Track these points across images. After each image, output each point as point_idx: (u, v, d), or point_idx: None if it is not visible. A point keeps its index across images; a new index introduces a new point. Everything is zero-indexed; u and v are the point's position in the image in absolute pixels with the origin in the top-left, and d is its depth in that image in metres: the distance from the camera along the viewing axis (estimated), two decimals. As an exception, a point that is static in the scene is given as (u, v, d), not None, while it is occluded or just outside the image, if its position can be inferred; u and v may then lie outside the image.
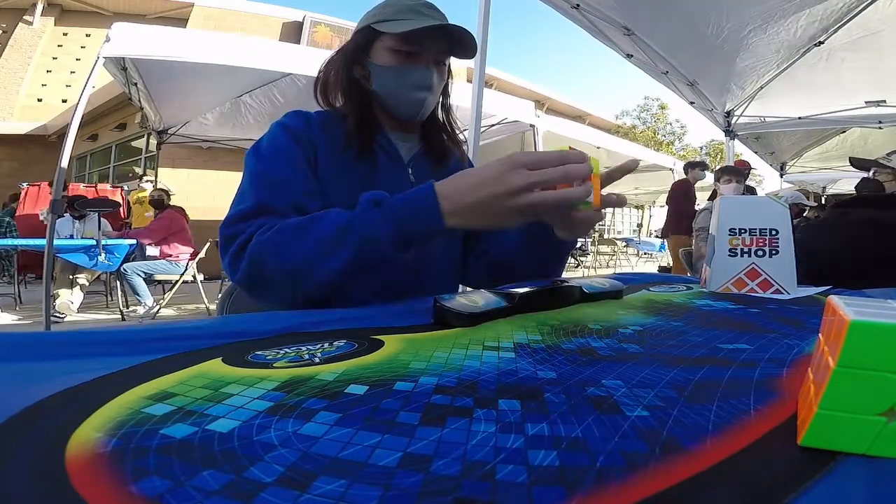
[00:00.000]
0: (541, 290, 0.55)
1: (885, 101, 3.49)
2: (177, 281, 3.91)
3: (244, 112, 4.75)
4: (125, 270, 3.66)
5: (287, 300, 0.61)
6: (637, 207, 16.73)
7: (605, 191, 0.58)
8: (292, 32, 10.14)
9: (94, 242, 3.56)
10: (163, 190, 4.46)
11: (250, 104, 4.60)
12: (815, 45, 2.87)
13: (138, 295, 3.74)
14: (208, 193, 7.50)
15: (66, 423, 0.22)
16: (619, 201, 0.60)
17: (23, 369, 0.29)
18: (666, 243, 4.86)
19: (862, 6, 2.52)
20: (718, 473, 0.19)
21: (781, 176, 6.08)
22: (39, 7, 13.57)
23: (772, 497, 0.17)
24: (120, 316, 3.84)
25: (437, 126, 0.85)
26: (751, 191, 3.78)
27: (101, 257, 3.57)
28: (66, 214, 4.15)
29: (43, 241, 3.11)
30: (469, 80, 2.30)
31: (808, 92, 3.50)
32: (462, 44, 0.74)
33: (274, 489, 0.17)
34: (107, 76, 3.88)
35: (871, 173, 1.94)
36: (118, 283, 3.92)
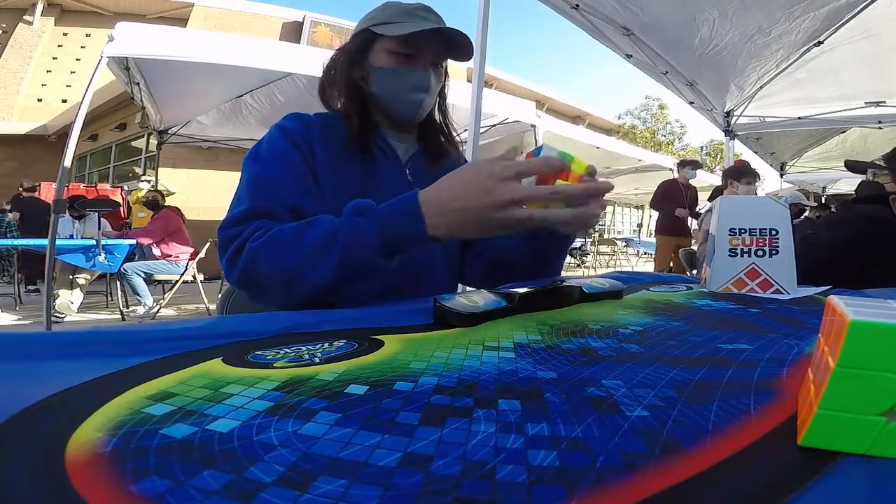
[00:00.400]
0: (541, 290, 0.55)
1: (885, 102, 3.49)
2: (177, 281, 3.91)
3: (245, 112, 4.75)
4: (125, 270, 3.66)
5: (283, 302, 0.62)
6: (637, 207, 16.74)
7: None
8: (292, 32, 10.14)
9: (94, 242, 3.56)
10: (157, 191, 4.45)
11: (251, 104, 4.60)
12: (815, 44, 2.87)
13: (138, 295, 3.74)
14: (208, 193, 7.50)
15: (66, 423, 0.22)
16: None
17: (23, 369, 0.29)
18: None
19: (862, 6, 2.52)
20: (718, 473, 0.19)
21: (781, 176, 6.08)
22: (39, 7, 13.57)
23: (772, 497, 0.17)
24: (120, 316, 3.84)
25: (434, 127, 0.86)
26: None
27: (101, 257, 3.57)
28: (66, 214, 4.16)
29: (43, 241, 3.11)
30: (469, 80, 2.30)
31: (808, 92, 3.50)
32: (459, 46, 0.76)
33: (274, 489, 0.17)
34: (107, 76, 3.88)
35: (870, 176, 1.94)
36: (118, 283, 3.92)
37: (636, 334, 0.42)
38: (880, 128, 3.84)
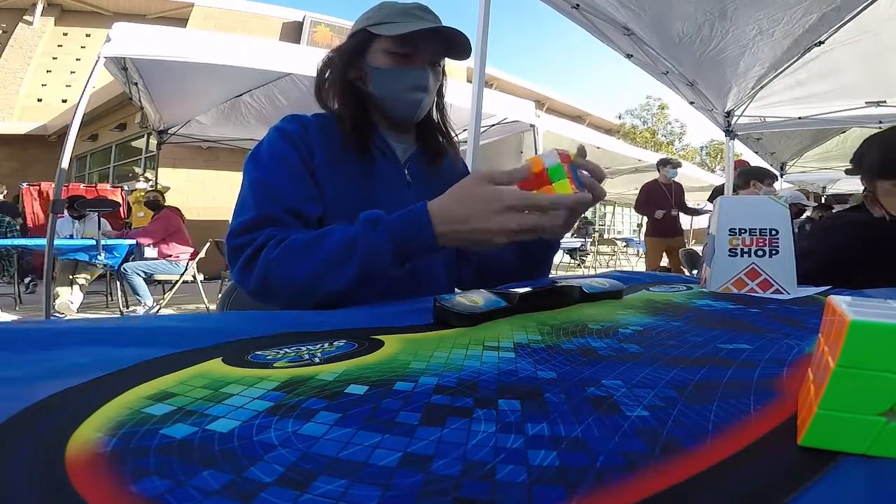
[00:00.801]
0: (541, 290, 0.55)
1: (885, 102, 3.49)
2: (177, 281, 3.91)
3: (244, 112, 4.75)
4: (125, 270, 3.67)
5: (296, 306, 0.63)
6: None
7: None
8: (292, 32, 10.14)
9: (93, 242, 3.56)
10: (157, 191, 4.45)
11: (250, 104, 4.60)
12: (815, 44, 2.87)
13: (138, 295, 3.74)
14: (208, 193, 7.50)
15: (66, 423, 0.22)
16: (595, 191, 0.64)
17: (24, 360, 0.29)
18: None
19: (862, 6, 2.52)
20: (718, 473, 0.19)
21: (781, 176, 6.08)
22: (39, 7, 13.57)
23: (772, 497, 0.17)
24: (120, 316, 3.84)
25: (432, 126, 0.86)
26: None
27: (101, 257, 3.57)
28: (66, 215, 4.16)
29: (43, 241, 3.11)
30: (469, 80, 2.30)
31: (809, 92, 3.49)
32: (456, 45, 0.76)
33: (274, 489, 0.17)
34: (107, 76, 3.88)
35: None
36: (118, 283, 3.92)
37: (636, 334, 0.42)
38: (880, 128, 3.83)
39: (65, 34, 14.05)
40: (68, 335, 0.36)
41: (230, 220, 0.69)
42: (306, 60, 3.50)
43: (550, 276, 0.86)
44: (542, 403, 0.25)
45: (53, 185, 2.74)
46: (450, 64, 0.84)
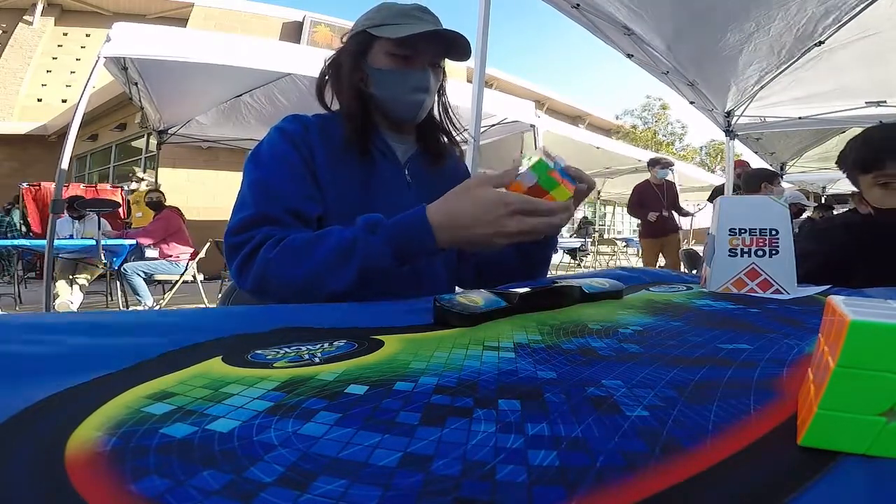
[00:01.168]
0: (541, 290, 0.55)
1: (885, 102, 3.49)
2: (177, 281, 3.91)
3: (244, 112, 4.75)
4: (125, 270, 3.66)
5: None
6: (637, 207, 16.69)
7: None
8: (292, 32, 10.14)
9: (93, 242, 3.56)
10: (160, 191, 4.45)
11: (250, 104, 4.60)
12: (816, 44, 2.87)
13: (138, 295, 3.74)
14: (208, 193, 7.50)
15: (66, 422, 0.22)
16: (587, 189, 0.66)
17: (23, 353, 0.29)
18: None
19: (862, 6, 2.52)
20: (718, 473, 0.19)
21: (781, 176, 6.08)
22: (39, 7, 13.57)
23: (772, 497, 0.17)
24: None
25: (433, 127, 0.87)
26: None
27: (101, 257, 3.57)
28: (66, 215, 4.16)
29: (43, 242, 3.11)
30: (469, 80, 2.30)
31: (809, 92, 3.49)
32: (457, 46, 0.77)
33: (274, 489, 0.17)
34: (107, 76, 3.88)
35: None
36: (118, 283, 3.92)
37: (636, 334, 0.42)
38: (880, 128, 3.82)
39: (65, 34, 14.06)
40: (69, 331, 0.36)
41: (229, 219, 0.69)
42: (306, 60, 3.49)
43: (550, 275, 0.86)
44: (542, 403, 0.25)
45: (53, 186, 2.74)
46: (450, 64, 0.84)
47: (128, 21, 3.16)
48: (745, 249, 0.72)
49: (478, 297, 0.49)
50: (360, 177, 0.76)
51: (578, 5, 2.48)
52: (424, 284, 0.75)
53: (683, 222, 4.67)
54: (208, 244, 3.95)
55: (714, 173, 13.03)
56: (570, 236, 8.75)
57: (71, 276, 3.83)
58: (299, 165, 0.71)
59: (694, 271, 3.25)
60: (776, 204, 0.73)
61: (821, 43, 2.85)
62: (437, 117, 0.87)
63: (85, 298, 3.97)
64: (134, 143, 10.09)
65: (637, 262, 10.14)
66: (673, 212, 4.31)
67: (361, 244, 0.59)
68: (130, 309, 3.94)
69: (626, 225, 17.91)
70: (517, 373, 0.31)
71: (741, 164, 4.35)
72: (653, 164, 4.36)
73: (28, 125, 11.58)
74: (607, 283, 0.65)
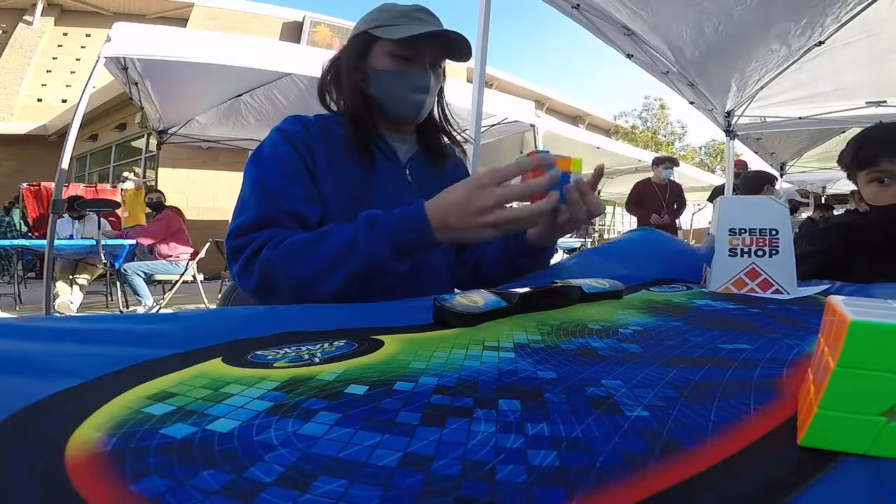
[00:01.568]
0: (541, 290, 0.55)
1: (885, 102, 3.49)
2: (177, 281, 3.91)
3: (244, 112, 4.75)
4: (125, 270, 3.66)
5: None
6: (637, 207, 16.69)
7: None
8: (292, 32, 10.14)
9: (94, 242, 3.56)
10: (160, 192, 4.45)
11: (251, 104, 4.59)
12: (816, 45, 2.87)
13: (138, 295, 3.74)
14: (208, 194, 7.50)
15: (66, 422, 0.22)
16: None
17: (24, 356, 0.29)
18: None
19: (862, 6, 2.52)
20: (718, 473, 0.19)
21: (781, 176, 6.08)
22: (39, 7, 13.57)
23: (772, 497, 0.17)
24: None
25: (434, 127, 0.87)
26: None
27: (101, 257, 3.57)
28: (66, 215, 4.16)
29: (43, 242, 3.11)
30: (469, 80, 2.30)
31: (809, 92, 3.49)
32: (457, 47, 0.77)
33: (274, 489, 0.17)
34: (107, 76, 3.88)
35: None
36: (118, 283, 3.92)
37: (636, 334, 0.42)
38: (880, 128, 3.82)
39: (65, 34, 14.06)
40: (68, 333, 0.36)
41: (230, 220, 0.69)
42: (306, 60, 3.49)
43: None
44: (542, 403, 0.25)
45: (53, 185, 2.74)
46: (450, 64, 0.85)
47: (128, 21, 3.16)
48: (745, 249, 0.72)
49: (478, 297, 0.49)
50: (362, 177, 0.76)
51: (578, 5, 2.48)
52: (423, 284, 0.75)
53: (683, 222, 4.63)
54: (208, 244, 3.95)
55: (714, 173, 13.03)
56: (571, 236, 8.75)
57: (71, 277, 3.83)
58: (299, 167, 0.72)
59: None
60: (776, 204, 0.73)
61: (821, 43, 2.85)
62: (438, 118, 0.87)
63: (85, 298, 3.97)
64: (134, 143, 10.10)
65: (637, 262, 10.13)
66: (672, 213, 4.22)
67: (361, 240, 0.59)
68: (130, 309, 3.95)
69: (625, 225, 17.91)
70: (517, 373, 0.31)
71: (741, 165, 4.34)
72: (657, 162, 4.16)
73: (28, 125, 11.58)
74: (607, 283, 0.65)
